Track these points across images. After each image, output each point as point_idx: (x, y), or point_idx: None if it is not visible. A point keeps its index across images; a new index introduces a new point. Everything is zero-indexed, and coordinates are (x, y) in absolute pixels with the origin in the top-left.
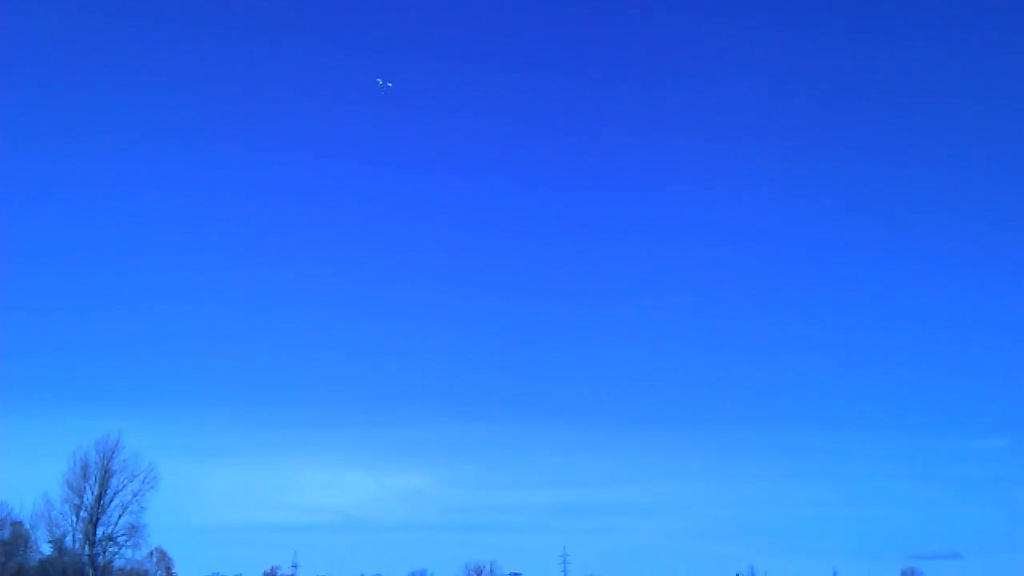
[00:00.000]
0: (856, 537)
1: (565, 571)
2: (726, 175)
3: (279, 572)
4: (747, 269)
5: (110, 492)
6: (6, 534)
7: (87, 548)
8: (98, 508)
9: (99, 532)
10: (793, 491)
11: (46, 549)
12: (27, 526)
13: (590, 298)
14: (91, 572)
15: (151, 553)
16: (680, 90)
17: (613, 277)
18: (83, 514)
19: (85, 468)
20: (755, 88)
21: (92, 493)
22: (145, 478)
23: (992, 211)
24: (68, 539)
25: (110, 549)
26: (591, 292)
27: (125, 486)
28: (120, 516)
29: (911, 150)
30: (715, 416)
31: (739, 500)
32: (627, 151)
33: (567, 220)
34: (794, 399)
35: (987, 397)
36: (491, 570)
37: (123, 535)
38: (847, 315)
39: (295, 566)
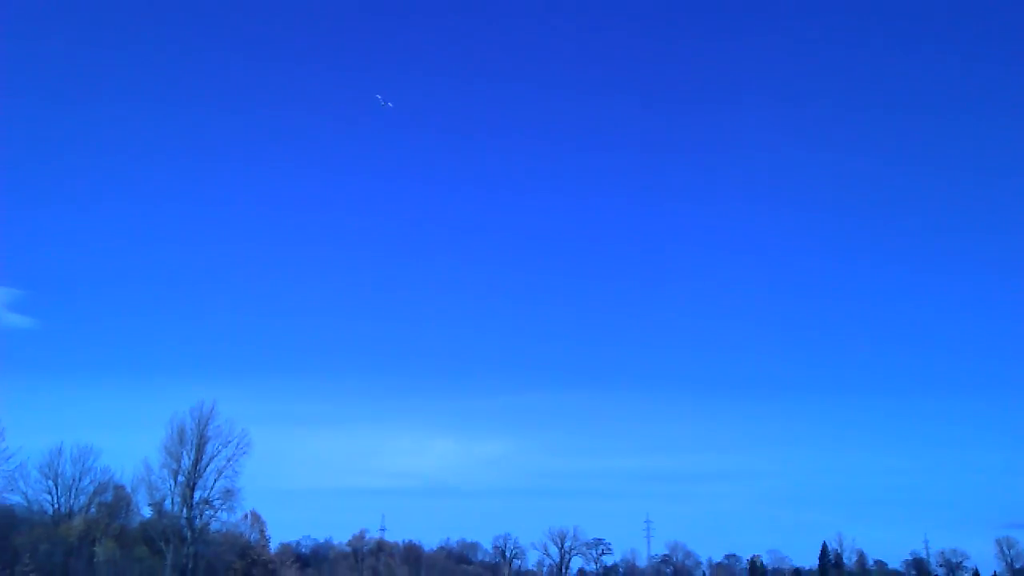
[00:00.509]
0: (948, 506)
1: (648, 537)
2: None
3: (367, 535)
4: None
5: (206, 457)
6: (109, 497)
7: (185, 511)
8: (195, 473)
9: (196, 496)
10: (883, 459)
11: (146, 512)
12: (128, 490)
13: (675, 266)
14: (189, 534)
15: (245, 516)
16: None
17: (695, 246)
18: (181, 478)
19: (182, 434)
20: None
21: (189, 458)
22: (239, 444)
23: None
24: (167, 502)
25: (206, 512)
26: (676, 260)
27: (220, 451)
28: (215, 480)
29: None
30: (801, 384)
31: (827, 468)
32: None
33: (645, 188)
34: (884, 366)
35: None
36: (574, 535)
37: (219, 499)
38: (937, 278)
39: (383, 529)
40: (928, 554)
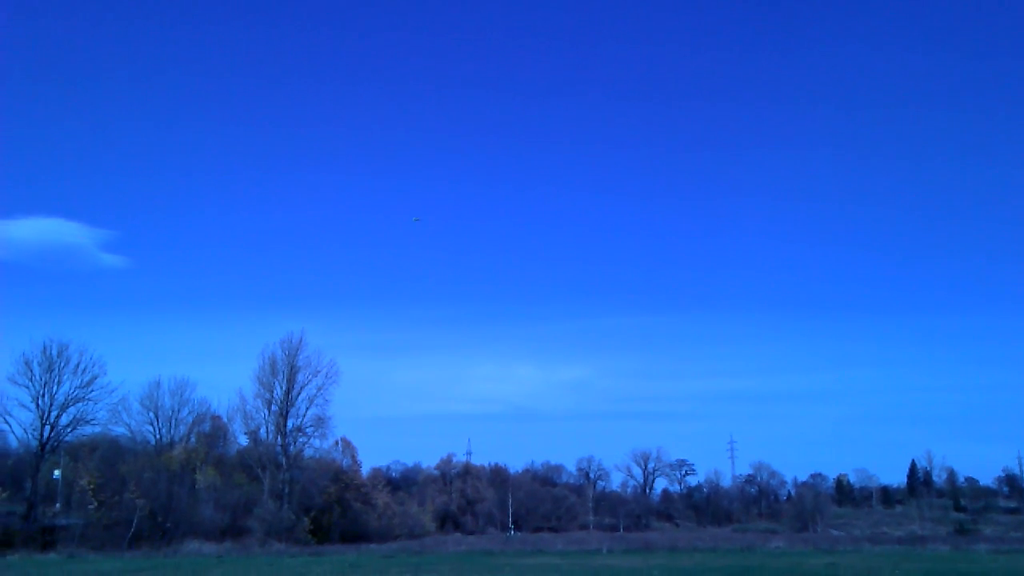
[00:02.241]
0: None
1: (732, 458)
2: None
3: (455, 459)
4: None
5: (296, 387)
6: (207, 427)
7: (279, 439)
8: (287, 402)
9: (289, 424)
10: (974, 375)
11: (243, 440)
12: (225, 420)
13: (754, 185)
14: (284, 460)
15: (337, 442)
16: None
17: (772, 167)
18: (274, 408)
19: (273, 365)
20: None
21: (281, 388)
22: (327, 373)
23: None
24: (262, 431)
25: (300, 439)
26: (750, 182)
27: (310, 381)
28: (307, 409)
29: None
30: (888, 302)
31: (915, 386)
32: None
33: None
34: (973, 279)
35: None
36: (658, 456)
37: (311, 426)
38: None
39: (469, 453)
40: (1022, 470)
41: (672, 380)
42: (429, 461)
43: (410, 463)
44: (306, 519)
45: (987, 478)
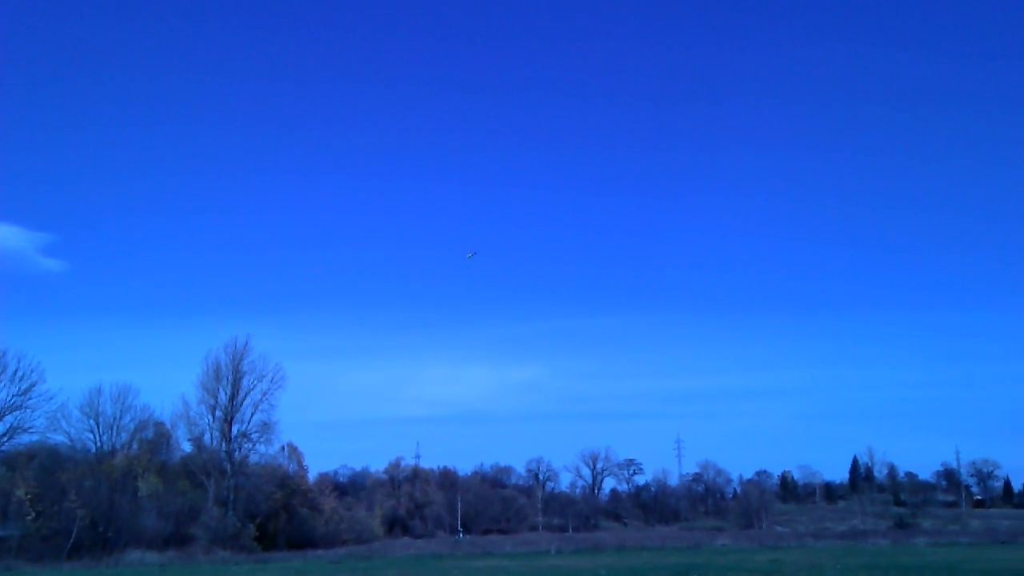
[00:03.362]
0: (980, 416)
1: (679, 456)
2: None
3: (403, 462)
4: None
5: (241, 392)
6: (150, 434)
7: (224, 444)
8: (231, 407)
9: (234, 429)
10: (913, 372)
11: (187, 447)
12: (168, 426)
13: (699, 185)
14: (229, 467)
15: (283, 448)
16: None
17: (724, 164)
18: (218, 413)
19: (217, 370)
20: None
21: (225, 393)
22: (273, 378)
23: None
24: (206, 437)
25: (245, 445)
26: (701, 178)
27: (255, 386)
28: (252, 414)
29: None
30: (830, 300)
31: (857, 383)
32: None
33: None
34: (910, 282)
35: None
36: (606, 456)
37: (256, 432)
38: (962, 194)
39: (418, 456)
40: (959, 465)
41: (621, 380)
42: (378, 465)
43: (358, 468)
44: (252, 526)
45: (926, 473)
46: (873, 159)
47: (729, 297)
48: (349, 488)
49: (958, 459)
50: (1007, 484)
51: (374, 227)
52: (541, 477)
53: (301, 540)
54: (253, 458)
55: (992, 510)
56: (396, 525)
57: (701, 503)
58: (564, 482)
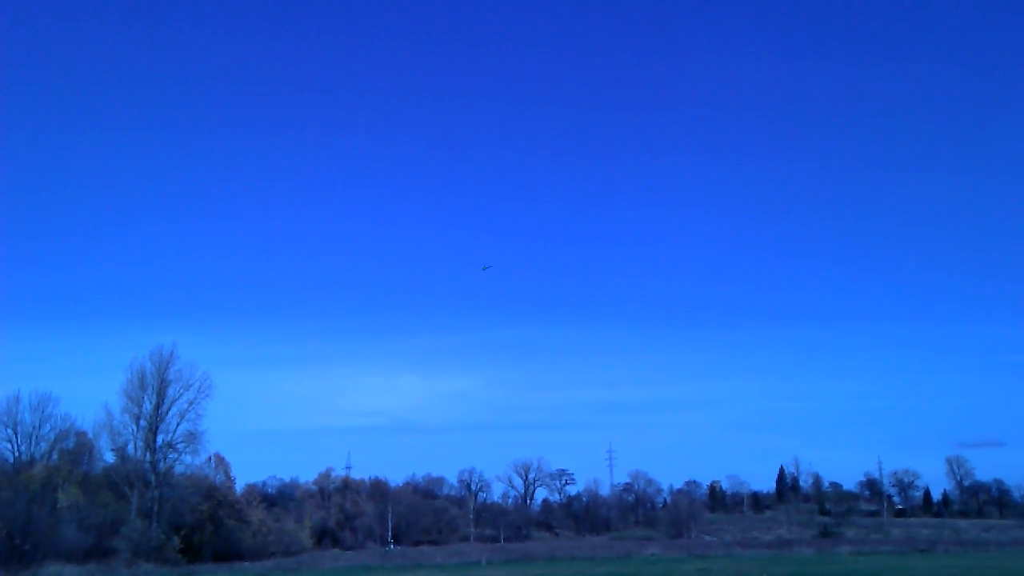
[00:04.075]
0: (901, 427)
1: (611, 466)
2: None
3: (333, 473)
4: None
5: (167, 401)
6: (71, 444)
7: (148, 455)
8: (156, 417)
9: (159, 440)
10: (838, 384)
11: (109, 457)
12: (90, 436)
13: (631, 200)
14: (153, 478)
15: (209, 458)
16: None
17: (654, 183)
18: (143, 423)
19: (142, 379)
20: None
21: (150, 402)
22: (200, 387)
23: None
24: (130, 447)
25: (170, 456)
26: (632, 194)
27: (181, 395)
28: (178, 424)
29: None
30: (758, 314)
31: (783, 394)
32: None
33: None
34: (837, 294)
35: None
36: (539, 466)
37: (182, 442)
38: (885, 207)
39: (348, 467)
40: (881, 474)
41: (554, 390)
42: (307, 476)
43: (287, 478)
44: (176, 538)
45: (850, 483)
46: (809, 167)
47: (660, 309)
48: (278, 499)
49: (880, 469)
50: (927, 494)
51: (304, 235)
52: (473, 488)
53: (228, 552)
54: (178, 469)
55: (912, 519)
56: (326, 537)
57: (632, 513)
58: (496, 492)
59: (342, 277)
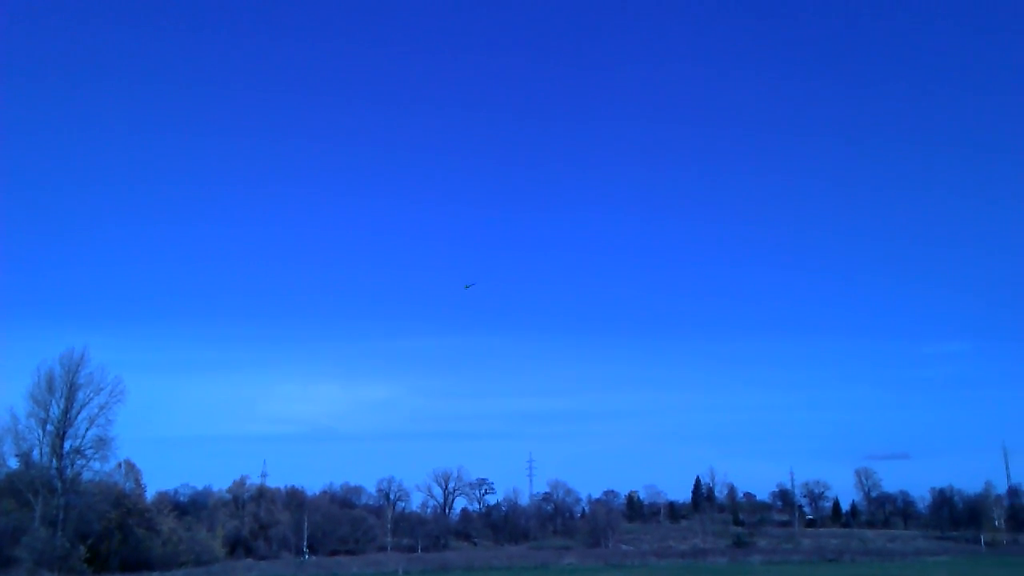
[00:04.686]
0: (813, 439)
1: (530, 476)
2: None
3: (248, 481)
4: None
5: (76, 406)
6: None
7: (54, 461)
8: (64, 422)
9: (66, 445)
10: (753, 396)
11: (13, 463)
12: None
13: (550, 204)
14: (59, 485)
15: (119, 465)
16: None
17: (579, 188)
18: (49, 428)
19: (50, 382)
20: None
21: (58, 407)
22: (112, 391)
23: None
24: (35, 452)
25: (78, 462)
26: (555, 197)
27: (91, 400)
28: (87, 429)
29: None
30: (676, 325)
31: (701, 406)
32: None
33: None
34: (752, 307)
35: (948, 303)
36: (458, 476)
37: (90, 448)
38: (805, 223)
39: (264, 475)
40: (793, 485)
41: (475, 400)
42: (222, 484)
43: (200, 486)
44: (82, 547)
45: (763, 493)
46: (735, 177)
47: (580, 319)
48: (190, 508)
49: (792, 480)
50: (836, 504)
51: (221, 239)
52: (392, 497)
53: (136, 562)
54: (87, 475)
55: (822, 529)
56: (239, 546)
57: (550, 522)
58: (415, 502)
59: (260, 282)
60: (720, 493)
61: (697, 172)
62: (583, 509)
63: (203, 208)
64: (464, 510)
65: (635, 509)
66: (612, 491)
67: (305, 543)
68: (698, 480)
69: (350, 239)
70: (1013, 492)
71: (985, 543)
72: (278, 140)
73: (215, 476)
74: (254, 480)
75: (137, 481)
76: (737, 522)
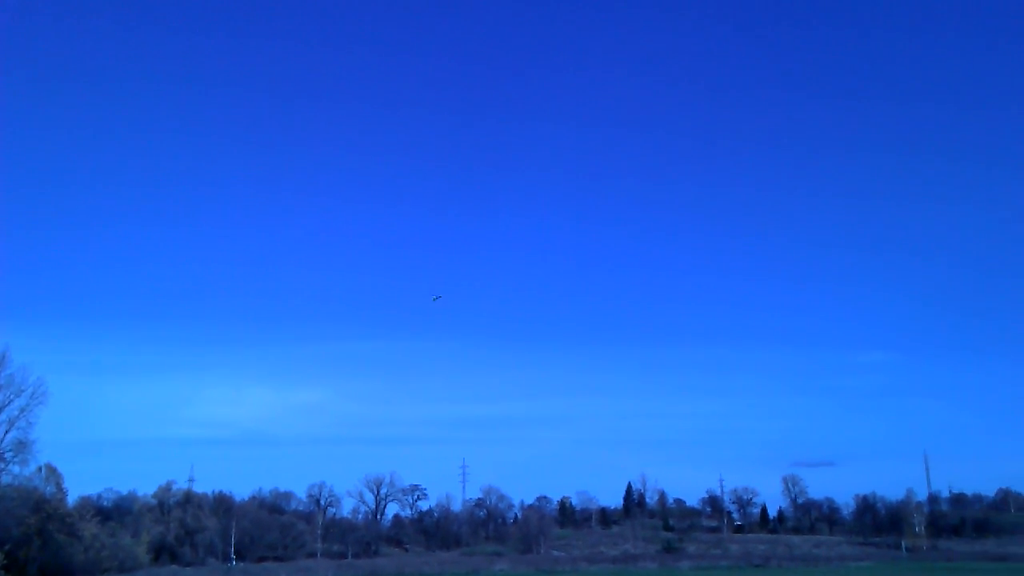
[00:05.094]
0: (742, 446)
1: (463, 482)
2: None
3: (175, 486)
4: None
5: None
6: None
7: None
8: None
9: None
10: (684, 404)
11: None
12: None
13: (483, 208)
14: None
15: (40, 469)
16: None
17: (511, 194)
18: None
19: None
20: None
21: None
22: (33, 393)
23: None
24: None
25: None
26: (486, 202)
27: (11, 401)
28: (6, 432)
29: None
30: (610, 332)
31: (633, 412)
32: None
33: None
34: (683, 315)
35: (873, 313)
36: (391, 481)
37: (10, 451)
38: (735, 232)
39: (191, 480)
40: (722, 491)
41: (409, 405)
42: (147, 489)
43: (124, 491)
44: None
45: (693, 499)
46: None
47: (514, 325)
48: (114, 513)
49: (721, 487)
50: (763, 510)
51: (146, 237)
52: (323, 502)
53: (56, 569)
54: (5, 479)
55: (750, 535)
56: (164, 552)
57: (483, 528)
58: (347, 508)
59: (189, 283)
60: (651, 499)
61: (633, 178)
62: (516, 515)
63: (127, 208)
64: (396, 516)
65: (567, 515)
66: (545, 497)
67: (232, 549)
68: (630, 486)
69: (280, 241)
70: (933, 499)
71: (906, 549)
72: (202, 142)
73: (140, 481)
74: (181, 485)
75: (58, 485)
76: (667, 528)
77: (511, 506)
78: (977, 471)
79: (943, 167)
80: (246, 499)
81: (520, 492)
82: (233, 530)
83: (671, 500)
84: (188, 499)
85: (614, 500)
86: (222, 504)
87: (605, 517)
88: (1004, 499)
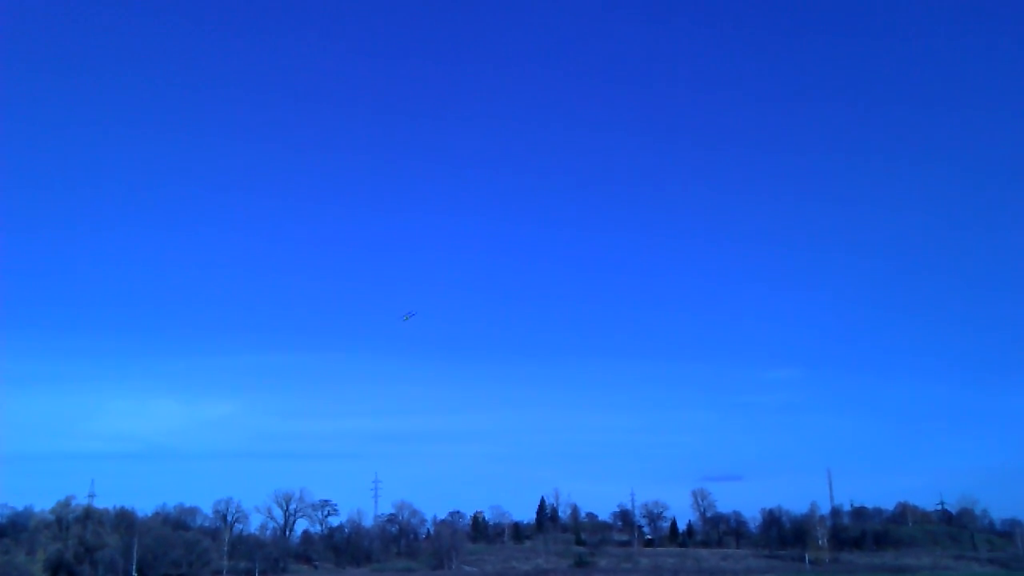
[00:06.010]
0: (653, 461)
1: (375, 497)
2: None
3: (74, 502)
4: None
5: None
6: None
7: None
8: None
9: None
10: (596, 419)
11: None
12: None
13: (403, 225)
14: None
15: None
16: None
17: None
18: None
19: None
20: None
21: None
22: None
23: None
24: None
25: None
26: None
27: None
28: None
29: None
30: (522, 347)
31: (545, 427)
32: None
33: None
34: (593, 332)
35: (779, 332)
36: (300, 497)
37: None
38: (645, 249)
39: (92, 495)
40: (633, 505)
41: (319, 419)
42: (45, 504)
43: (20, 507)
44: None
45: (605, 513)
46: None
47: (425, 340)
48: (8, 529)
49: (632, 501)
50: (673, 524)
51: (48, 241)
52: (229, 518)
53: None
54: None
55: (660, 548)
56: (61, 570)
57: (395, 544)
58: (254, 524)
59: (91, 293)
60: (564, 513)
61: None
62: (428, 530)
63: (30, 213)
64: (306, 532)
65: (480, 530)
66: (458, 512)
67: (135, 567)
68: (542, 501)
69: (186, 249)
70: (835, 512)
71: (809, 561)
72: (116, 142)
73: (37, 496)
74: (80, 500)
75: None
76: (579, 542)
77: (424, 521)
78: (877, 485)
79: (844, 173)
80: (149, 515)
81: (433, 507)
82: (135, 547)
83: (584, 514)
84: (88, 515)
85: (527, 515)
86: (124, 520)
87: (518, 532)
88: (903, 512)
